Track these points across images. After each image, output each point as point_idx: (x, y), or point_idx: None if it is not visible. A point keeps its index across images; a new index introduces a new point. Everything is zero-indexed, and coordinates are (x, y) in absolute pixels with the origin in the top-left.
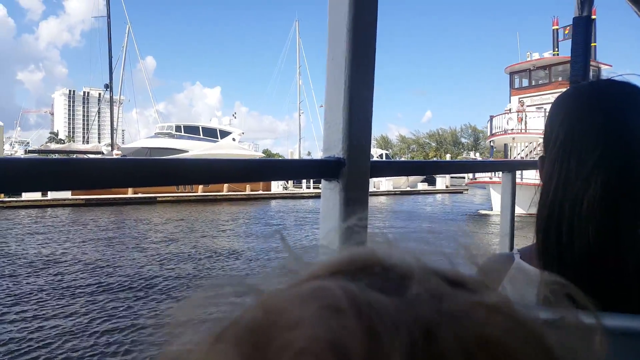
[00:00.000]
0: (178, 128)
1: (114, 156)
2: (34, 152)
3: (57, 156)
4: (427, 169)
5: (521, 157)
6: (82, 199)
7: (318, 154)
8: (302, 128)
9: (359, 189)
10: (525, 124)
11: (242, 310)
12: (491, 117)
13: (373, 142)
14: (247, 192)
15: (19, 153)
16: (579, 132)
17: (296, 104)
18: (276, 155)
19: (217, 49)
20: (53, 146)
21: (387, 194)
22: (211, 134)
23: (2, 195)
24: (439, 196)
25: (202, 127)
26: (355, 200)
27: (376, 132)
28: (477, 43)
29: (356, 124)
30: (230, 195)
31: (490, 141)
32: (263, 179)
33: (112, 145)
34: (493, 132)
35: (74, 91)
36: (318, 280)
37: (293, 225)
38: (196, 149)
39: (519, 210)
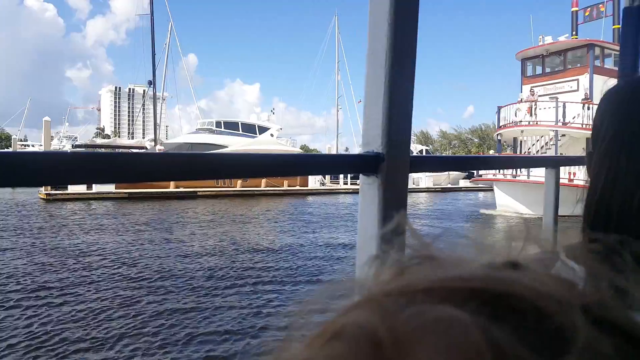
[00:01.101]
0: (218, 124)
1: (157, 151)
2: (80, 147)
3: (103, 150)
4: (467, 165)
5: (530, 153)
6: (126, 193)
7: (356, 150)
8: (340, 124)
9: (398, 184)
10: (535, 115)
11: (361, 314)
12: (499, 108)
13: (413, 138)
14: (285, 187)
15: (67, 147)
16: (629, 127)
17: (334, 99)
18: (314, 150)
19: (256, 46)
20: (99, 141)
21: (427, 190)
22: (250, 129)
23: (50, 187)
24: (481, 194)
25: (241, 123)
26: (394, 195)
27: (416, 127)
28: (518, 35)
29: (396, 119)
30: (268, 190)
31: (497, 134)
32: (302, 173)
33: (155, 140)
34: (501, 124)
35: (119, 88)
36: (452, 309)
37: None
38: (235, 144)
39: (521, 209)
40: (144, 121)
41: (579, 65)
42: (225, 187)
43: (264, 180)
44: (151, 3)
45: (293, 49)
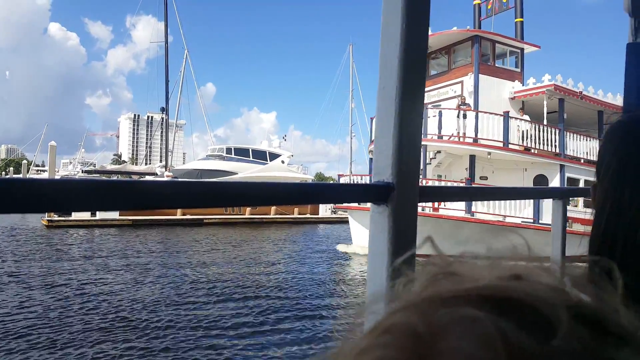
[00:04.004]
0: (229, 150)
1: (165, 177)
2: (91, 172)
3: (118, 177)
4: (477, 195)
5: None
6: (130, 220)
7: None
8: (354, 151)
9: (408, 213)
10: None
11: (404, 315)
12: (372, 119)
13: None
14: (295, 215)
15: (81, 174)
16: (633, 160)
17: (348, 127)
18: (329, 178)
19: (273, 75)
20: (109, 167)
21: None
22: (261, 156)
23: (53, 214)
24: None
25: (252, 150)
26: (404, 224)
27: None
28: None
29: (405, 150)
30: (278, 218)
31: (369, 151)
32: (313, 202)
33: (166, 166)
34: (372, 138)
35: (138, 115)
36: (471, 309)
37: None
38: (245, 171)
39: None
40: (161, 148)
41: (469, 59)
42: (234, 214)
43: (273, 208)
44: (165, 32)
45: (308, 77)
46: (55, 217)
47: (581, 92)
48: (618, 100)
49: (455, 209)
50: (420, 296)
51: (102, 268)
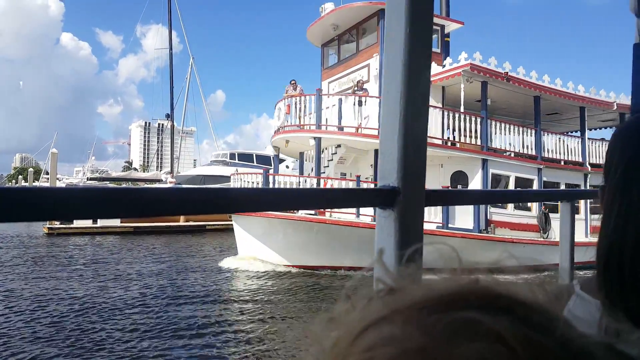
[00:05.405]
0: (232, 156)
1: (169, 184)
2: (97, 180)
3: (129, 184)
4: (485, 199)
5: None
6: (131, 227)
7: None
8: None
9: (414, 218)
10: (299, 117)
11: (386, 324)
12: (276, 105)
13: None
14: None
15: (86, 181)
16: None
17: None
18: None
19: (281, 81)
20: (114, 174)
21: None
22: (265, 161)
23: (54, 222)
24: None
25: (255, 155)
26: (410, 228)
27: None
28: None
29: (411, 154)
30: None
31: (273, 145)
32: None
33: (171, 172)
34: (276, 129)
35: (149, 123)
36: (464, 312)
37: None
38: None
39: (277, 260)
40: (171, 154)
41: (375, 45)
42: None
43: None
44: (170, 39)
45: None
46: (57, 225)
47: (507, 73)
48: (557, 84)
49: (346, 212)
50: (396, 305)
51: (93, 275)
